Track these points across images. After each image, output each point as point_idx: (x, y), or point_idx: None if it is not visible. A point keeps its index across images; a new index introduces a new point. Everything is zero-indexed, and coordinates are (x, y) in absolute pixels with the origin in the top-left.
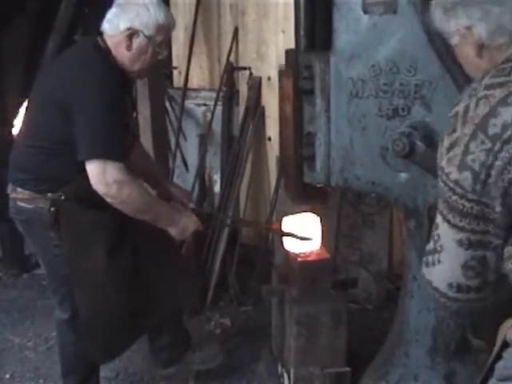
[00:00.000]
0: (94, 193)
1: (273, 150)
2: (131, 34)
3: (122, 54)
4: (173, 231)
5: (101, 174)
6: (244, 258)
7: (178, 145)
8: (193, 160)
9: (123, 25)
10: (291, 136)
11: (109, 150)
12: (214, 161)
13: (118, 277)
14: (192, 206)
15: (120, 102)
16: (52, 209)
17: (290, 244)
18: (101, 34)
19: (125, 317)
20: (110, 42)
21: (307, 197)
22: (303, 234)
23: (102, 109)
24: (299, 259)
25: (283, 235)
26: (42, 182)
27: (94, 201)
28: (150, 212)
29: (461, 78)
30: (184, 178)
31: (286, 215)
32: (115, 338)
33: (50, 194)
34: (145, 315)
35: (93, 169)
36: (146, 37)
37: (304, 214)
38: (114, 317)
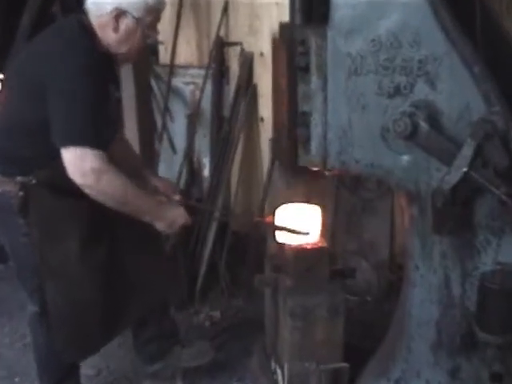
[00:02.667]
0: (71, 181)
1: (266, 131)
2: (118, 14)
3: (108, 36)
4: (159, 225)
5: (78, 162)
6: (235, 246)
7: (164, 126)
8: (180, 142)
9: (110, 5)
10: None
11: (87, 135)
12: (203, 143)
13: (94, 269)
14: (177, 198)
15: (103, 88)
16: (21, 193)
17: (284, 237)
18: (84, 12)
19: (101, 311)
20: (94, 23)
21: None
22: (299, 227)
23: (82, 92)
24: (294, 247)
25: (277, 229)
26: (11, 164)
27: (70, 189)
28: (132, 204)
29: (468, 54)
30: (171, 162)
31: (280, 205)
32: (89, 333)
33: (19, 178)
34: (125, 308)
35: (69, 156)
36: (134, 18)
37: (301, 204)
38: (88, 311)
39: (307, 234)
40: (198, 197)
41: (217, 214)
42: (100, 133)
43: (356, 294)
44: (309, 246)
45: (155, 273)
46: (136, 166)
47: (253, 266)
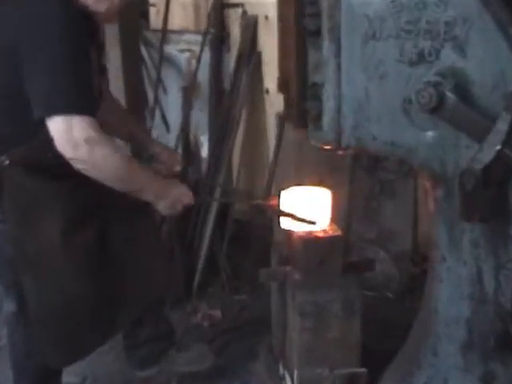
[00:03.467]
0: (53, 160)
1: (272, 105)
2: None
3: None
4: (161, 205)
5: (66, 133)
6: (237, 235)
7: (156, 100)
8: (175, 118)
9: None
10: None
11: (74, 101)
12: (200, 119)
13: (80, 260)
14: (179, 168)
15: (84, 51)
16: None
17: (290, 224)
18: None
19: (91, 309)
20: None
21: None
22: (306, 214)
23: (62, 54)
24: (304, 237)
25: (281, 215)
26: None
27: (53, 169)
28: (131, 180)
29: (502, 14)
30: (164, 140)
31: (287, 188)
32: (76, 336)
33: None
34: (120, 306)
35: (55, 127)
36: None
37: (310, 186)
38: (75, 309)
39: (313, 223)
40: (194, 179)
41: (217, 196)
42: (87, 98)
43: (374, 289)
44: (321, 235)
45: (153, 265)
46: (132, 130)
47: (257, 258)
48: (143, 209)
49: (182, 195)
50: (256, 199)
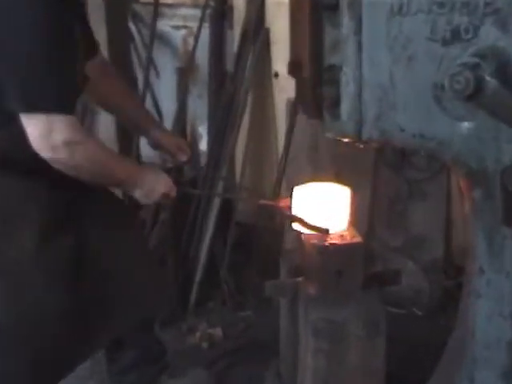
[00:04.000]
0: (25, 155)
1: (282, 90)
2: None
3: None
4: (137, 193)
5: (45, 134)
6: (241, 241)
7: (147, 84)
8: (168, 105)
9: None
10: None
11: (55, 99)
12: (198, 106)
13: (54, 270)
14: (185, 159)
15: (68, 30)
16: None
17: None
18: None
19: (66, 326)
20: None
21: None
22: (321, 216)
23: (43, 39)
24: (319, 244)
25: (290, 219)
26: None
27: (25, 166)
28: (110, 175)
29: None
30: None
31: (299, 184)
32: (49, 356)
33: None
34: (99, 323)
35: (34, 126)
36: None
37: (327, 184)
38: (48, 326)
39: (327, 231)
40: (192, 176)
41: (219, 191)
42: (69, 94)
43: (401, 305)
44: (339, 242)
45: (140, 276)
46: (132, 110)
47: (264, 268)
48: (129, 210)
49: (157, 183)
50: (263, 199)
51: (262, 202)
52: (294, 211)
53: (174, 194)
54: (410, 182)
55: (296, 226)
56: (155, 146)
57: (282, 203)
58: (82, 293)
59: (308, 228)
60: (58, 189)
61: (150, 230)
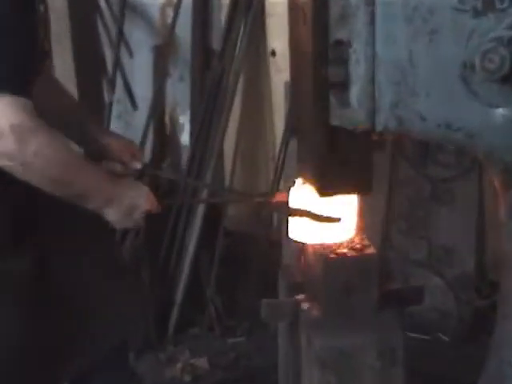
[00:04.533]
0: None
1: (279, 70)
2: None
3: None
4: (111, 214)
5: None
6: (231, 254)
7: (117, 65)
8: (144, 90)
9: None
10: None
11: (6, 75)
12: (179, 91)
13: (9, 293)
14: (139, 166)
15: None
16: None
17: (302, 230)
18: None
19: (21, 359)
20: None
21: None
22: (325, 212)
23: None
24: (324, 255)
25: (292, 214)
26: None
27: None
28: (73, 183)
29: None
30: (129, 122)
31: (298, 182)
32: None
33: None
34: (61, 354)
35: None
36: None
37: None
38: (1, 359)
39: (338, 220)
40: (172, 177)
41: (203, 195)
42: (23, 67)
43: (424, 330)
44: (348, 253)
45: (110, 298)
46: (75, 117)
47: (259, 285)
48: (98, 221)
49: (139, 199)
50: (257, 197)
51: (258, 200)
52: (293, 205)
53: (157, 209)
54: (435, 181)
55: (299, 225)
56: (100, 154)
57: (280, 198)
58: (39, 318)
59: (314, 219)
60: (13, 194)
61: (121, 241)
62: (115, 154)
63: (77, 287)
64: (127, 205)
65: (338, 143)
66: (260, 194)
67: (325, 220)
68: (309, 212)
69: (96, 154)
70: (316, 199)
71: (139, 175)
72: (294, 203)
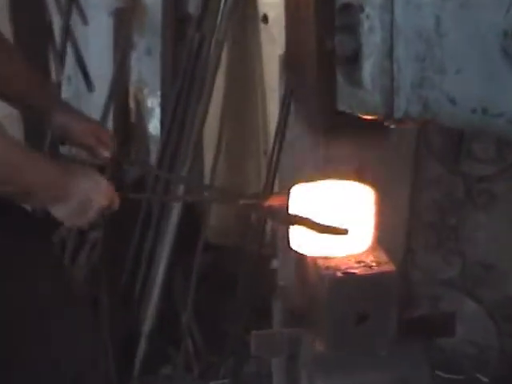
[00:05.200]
0: None
1: (272, 40)
2: None
3: None
4: (60, 211)
5: None
6: (213, 273)
7: (67, 33)
8: (101, 66)
9: None
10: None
11: None
12: (146, 68)
13: None
14: (108, 154)
15: None
16: None
17: (305, 241)
18: None
19: None
20: None
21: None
22: (332, 221)
23: None
24: (329, 274)
25: (289, 223)
26: None
27: None
28: (14, 180)
29: None
30: (85, 105)
31: (300, 182)
32: None
33: None
34: None
35: None
36: None
37: (342, 181)
38: None
39: (345, 232)
40: (138, 174)
41: (180, 192)
42: None
43: (457, 368)
44: (360, 271)
45: (57, 333)
46: (24, 85)
47: (247, 312)
48: (40, 227)
49: (95, 193)
50: (246, 198)
51: (246, 202)
52: (294, 212)
53: (116, 205)
54: (469, 180)
55: (297, 231)
56: (62, 137)
57: (275, 202)
58: None
59: (318, 230)
60: None
61: (74, 256)
62: (79, 139)
63: (12, 321)
64: (80, 200)
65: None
66: (249, 196)
67: (329, 231)
68: (310, 221)
69: (57, 136)
70: (320, 203)
71: (107, 166)
72: (292, 208)
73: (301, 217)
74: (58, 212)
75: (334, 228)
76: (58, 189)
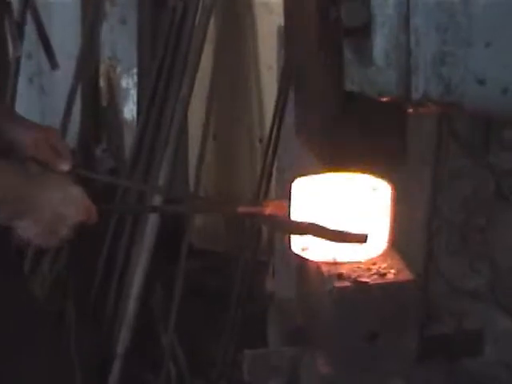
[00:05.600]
0: None
1: (269, 11)
2: None
3: None
4: (26, 228)
5: None
6: (199, 285)
7: (26, 3)
8: (67, 40)
9: None
10: None
11: None
12: (121, 40)
13: None
14: (66, 167)
15: None
16: None
17: (307, 243)
18: None
19: None
20: None
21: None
22: (340, 222)
23: None
24: (336, 284)
25: (292, 232)
26: None
27: None
28: None
29: None
30: (46, 87)
31: (302, 175)
32: None
33: None
34: None
35: None
36: None
37: (351, 174)
38: None
39: (364, 240)
40: (111, 167)
41: (157, 200)
42: None
43: None
44: (372, 281)
45: (16, 355)
46: None
47: (239, 330)
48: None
49: (69, 208)
50: (242, 205)
51: (242, 210)
52: (296, 218)
53: (94, 219)
54: (500, 173)
55: (302, 243)
56: (6, 151)
57: (275, 209)
58: None
59: (330, 238)
60: None
61: (34, 264)
62: (29, 152)
63: None
64: (50, 214)
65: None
66: (246, 204)
67: (344, 238)
68: (320, 227)
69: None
70: (326, 201)
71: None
72: (293, 207)
73: (309, 224)
74: (23, 230)
75: (350, 234)
76: (21, 202)
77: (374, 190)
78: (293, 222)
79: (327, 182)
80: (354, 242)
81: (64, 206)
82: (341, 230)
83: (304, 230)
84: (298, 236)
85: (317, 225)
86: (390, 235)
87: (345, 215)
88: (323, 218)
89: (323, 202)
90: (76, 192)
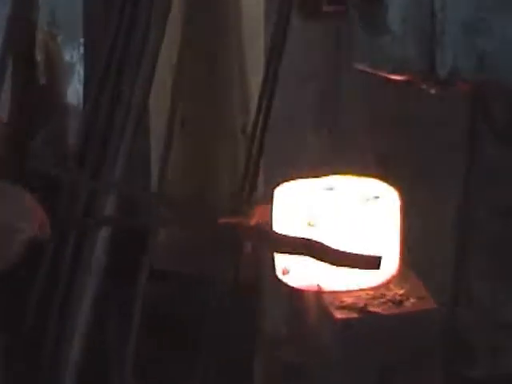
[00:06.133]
0: None
1: None
2: None
3: None
4: None
5: None
6: (163, 316)
7: None
8: None
9: None
10: None
11: None
12: (62, 5)
13: None
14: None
15: None
16: None
17: (300, 267)
18: None
19: None
20: None
21: None
22: (339, 239)
23: None
24: (342, 315)
25: (292, 251)
26: None
27: None
28: None
29: None
30: None
31: (293, 176)
32: None
33: None
34: None
35: None
36: None
37: (350, 175)
38: None
39: (377, 264)
40: (51, 162)
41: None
42: None
43: None
44: (384, 309)
45: None
46: None
47: (216, 371)
48: None
49: (21, 219)
50: (221, 215)
51: (223, 220)
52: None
53: (47, 235)
54: None
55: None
56: None
57: (262, 217)
58: None
59: (333, 262)
60: None
61: None
62: None
63: None
64: None
65: None
66: (221, 214)
67: (351, 262)
68: (321, 247)
69: None
70: (322, 210)
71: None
72: (278, 218)
73: (307, 240)
74: None
75: (358, 257)
76: None
77: (375, 198)
78: (285, 237)
79: (323, 187)
80: (362, 268)
81: (13, 219)
82: (347, 250)
83: (299, 248)
84: (285, 255)
85: (317, 242)
86: (401, 253)
87: (343, 230)
88: (309, 234)
89: (317, 212)
90: (27, 201)
